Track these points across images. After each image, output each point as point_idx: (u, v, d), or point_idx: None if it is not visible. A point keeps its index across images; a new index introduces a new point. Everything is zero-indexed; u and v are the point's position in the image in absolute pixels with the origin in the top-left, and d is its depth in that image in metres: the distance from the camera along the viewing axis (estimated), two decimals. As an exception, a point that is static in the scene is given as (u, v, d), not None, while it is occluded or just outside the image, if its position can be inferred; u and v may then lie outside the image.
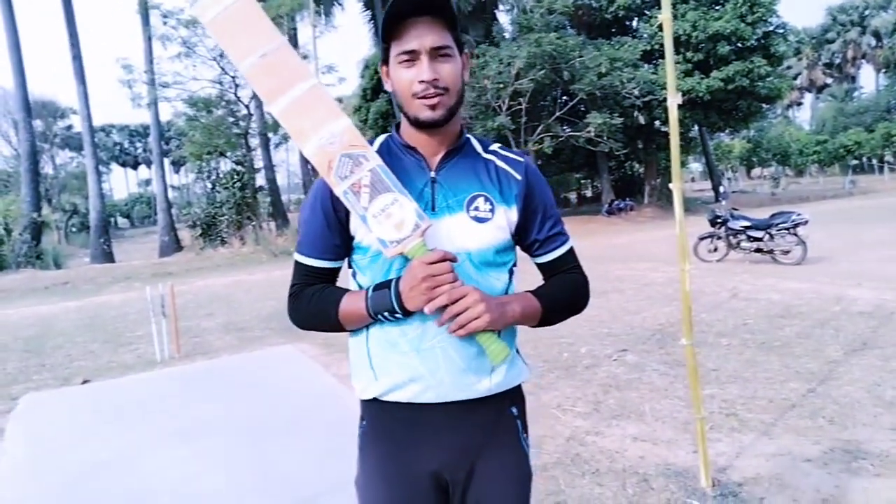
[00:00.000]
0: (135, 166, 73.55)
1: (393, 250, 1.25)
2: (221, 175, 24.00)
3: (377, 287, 1.28)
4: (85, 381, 5.99)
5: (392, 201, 1.25)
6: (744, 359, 5.11)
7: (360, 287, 1.36)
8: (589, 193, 36.78)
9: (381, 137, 1.41)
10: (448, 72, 1.28)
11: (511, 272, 1.40)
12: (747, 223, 10.67)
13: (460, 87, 1.31)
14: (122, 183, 77.90)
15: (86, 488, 3.56)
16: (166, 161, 41.58)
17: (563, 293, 1.44)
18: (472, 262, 1.31)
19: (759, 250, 10.49)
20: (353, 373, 1.42)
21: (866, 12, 56.35)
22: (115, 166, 72.35)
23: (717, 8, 23.20)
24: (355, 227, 1.34)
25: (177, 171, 64.32)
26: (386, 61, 1.33)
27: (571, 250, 1.47)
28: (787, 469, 3.13)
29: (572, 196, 36.56)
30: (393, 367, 1.31)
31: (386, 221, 1.25)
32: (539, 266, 1.47)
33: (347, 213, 1.32)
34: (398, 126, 1.40)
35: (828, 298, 7.09)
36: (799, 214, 10.20)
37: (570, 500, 2.98)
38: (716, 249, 11.11)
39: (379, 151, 1.35)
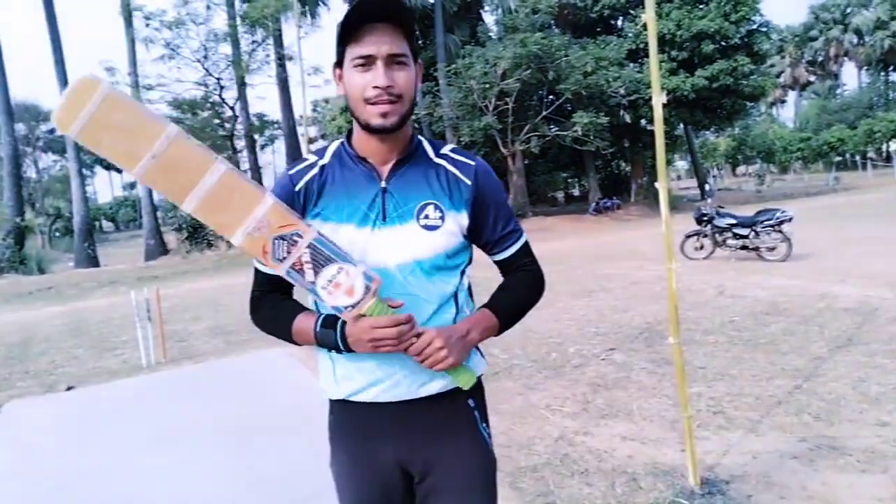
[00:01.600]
0: (119, 169, 72.80)
1: (350, 314, 1.25)
2: (207, 177, 23.80)
3: (324, 324, 1.32)
4: (70, 388, 5.92)
5: (337, 271, 1.23)
6: (730, 356, 5.13)
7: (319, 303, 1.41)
8: (576, 192, 36.93)
9: (334, 145, 1.43)
10: (403, 79, 1.29)
11: (463, 272, 1.43)
12: (733, 221, 10.73)
13: (413, 95, 1.33)
14: (106, 186, 77.45)
15: (71, 496, 3.51)
16: (151, 164, 41.22)
17: (517, 298, 1.48)
18: (422, 270, 1.34)
19: (744, 247, 10.56)
20: (320, 374, 1.48)
21: (848, 10, 56.87)
22: (99, 169, 71.39)
23: (701, 7, 23.38)
24: None
25: (162, 174, 63.71)
26: (340, 64, 1.34)
27: (525, 246, 1.50)
28: (774, 466, 3.14)
29: (559, 195, 36.67)
30: (353, 373, 1.37)
31: (336, 291, 1.24)
32: (495, 263, 1.51)
33: (303, 211, 1.36)
34: (350, 133, 1.41)
35: (813, 295, 7.15)
36: (784, 212, 10.27)
37: (560, 501, 2.98)
38: (702, 247, 11.17)
39: (331, 161, 1.39)
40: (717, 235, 10.91)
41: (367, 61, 1.27)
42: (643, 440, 3.61)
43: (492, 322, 1.40)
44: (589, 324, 6.71)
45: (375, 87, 1.26)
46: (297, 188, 1.36)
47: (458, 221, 1.37)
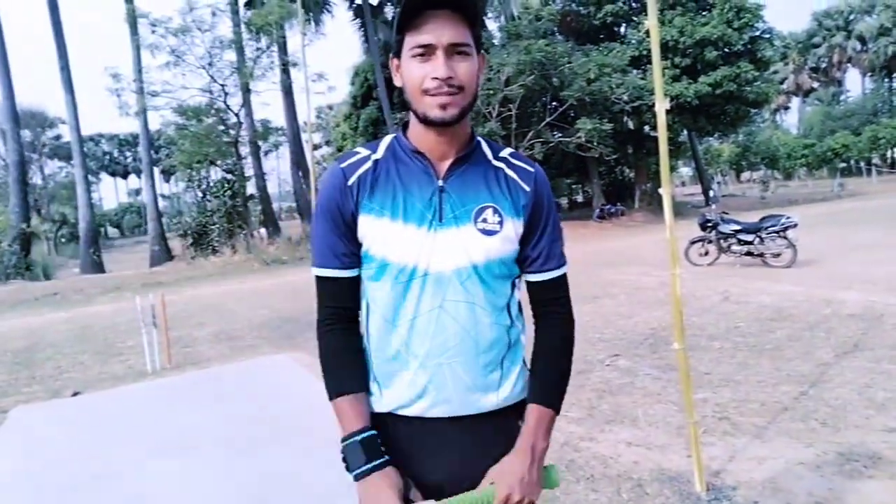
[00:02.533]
0: (125, 176, 73.25)
1: None
2: (212, 184, 23.92)
3: (350, 444, 1.24)
4: (75, 393, 5.94)
5: None
6: (735, 362, 5.13)
7: (368, 305, 1.32)
8: (580, 198, 36.88)
9: (387, 139, 1.35)
10: (464, 70, 1.21)
11: (513, 284, 1.36)
12: (737, 227, 10.72)
13: (475, 87, 1.25)
14: (111, 192, 77.66)
15: (77, 500, 3.52)
16: (156, 170, 41.45)
17: (562, 371, 1.39)
18: (479, 276, 1.26)
19: (749, 254, 10.54)
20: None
21: (851, 17, 56.94)
22: (104, 176, 72.05)
23: (703, 14, 23.43)
24: (363, 232, 1.28)
25: (167, 181, 64.07)
26: (398, 54, 1.26)
27: (565, 276, 1.40)
28: (781, 472, 3.14)
29: (563, 201, 36.60)
30: (399, 383, 1.29)
31: None
32: (530, 283, 1.39)
33: (355, 215, 1.27)
34: (405, 126, 1.33)
35: (818, 301, 7.13)
36: (788, 218, 10.26)
37: (565, 507, 2.98)
38: (706, 253, 11.16)
39: (385, 155, 1.31)
40: (721, 241, 10.90)
41: (427, 51, 1.19)
42: (649, 446, 3.61)
43: (549, 416, 1.32)
44: (593, 330, 6.71)
45: (435, 77, 1.18)
46: (349, 182, 1.27)
47: (515, 228, 1.30)
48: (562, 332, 1.39)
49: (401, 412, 1.30)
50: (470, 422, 1.29)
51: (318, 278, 1.32)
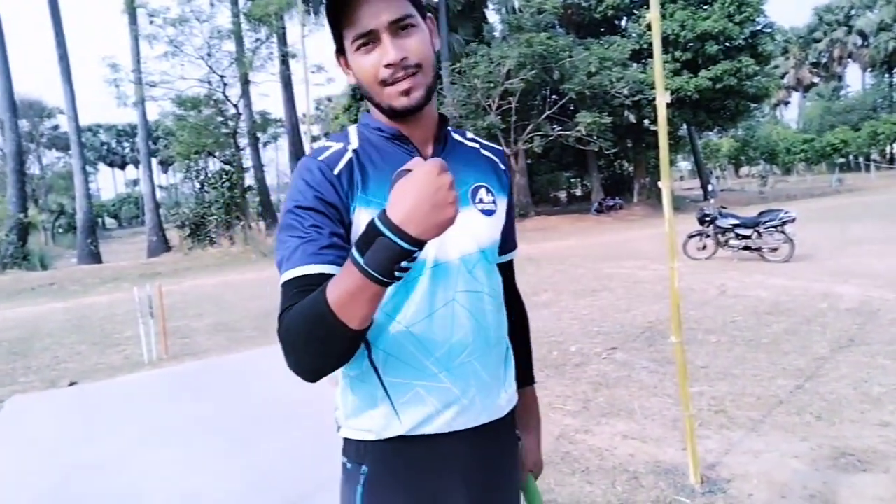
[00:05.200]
0: (122, 166, 73.13)
1: None
2: (210, 175, 23.89)
3: (363, 243, 0.87)
4: (72, 383, 5.94)
5: None
6: (732, 356, 5.13)
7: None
8: (579, 192, 36.94)
9: (354, 128, 1.19)
10: (415, 45, 1.07)
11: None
12: (736, 221, 10.72)
13: (433, 59, 1.10)
14: (109, 183, 77.57)
15: (73, 491, 3.53)
16: (154, 161, 41.36)
17: (531, 346, 1.43)
18: (486, 261, 1.17)
19: (747, 248, 10.55)
20: (351, 414, 1.17)
21: (852, 12, 56.93)
22: (102, 166, 71.93)
23: (705, 7, 23.37)
24: (359, 229, 1.04)
25: (165, 171, 63.96)
26: (342, 51, 1.12)
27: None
28: (776, 466, 3.15)
29: (562, 194, 36.68)
30: (424, 395, 1.10)
31: None
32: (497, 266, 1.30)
33: (348, 209, 1.07)
34: (367, 113, 1.20)
35: (815, 295, 7.14)
36: (787, 212, 10.26)
37: (561, 499, 2.98)
38: (704, 247, 11.16)
39: (362, 144, 1.14)
40: (719, 236, 10.91)
41: (370, 38, 1.05)
42: (644, 439, 3.61)
43: (536, 401, 1.42)
44: (591, 323, 6.71)
45: (387, 64, 1.05)
46: (335, 172, 1.08)
47: (504, 207, 1.24)
48: (525, 312, 1.43)
49: (422, 431, 1.12)
50: (485, 433, 1.16)
51: (291, 281, 1.01)
